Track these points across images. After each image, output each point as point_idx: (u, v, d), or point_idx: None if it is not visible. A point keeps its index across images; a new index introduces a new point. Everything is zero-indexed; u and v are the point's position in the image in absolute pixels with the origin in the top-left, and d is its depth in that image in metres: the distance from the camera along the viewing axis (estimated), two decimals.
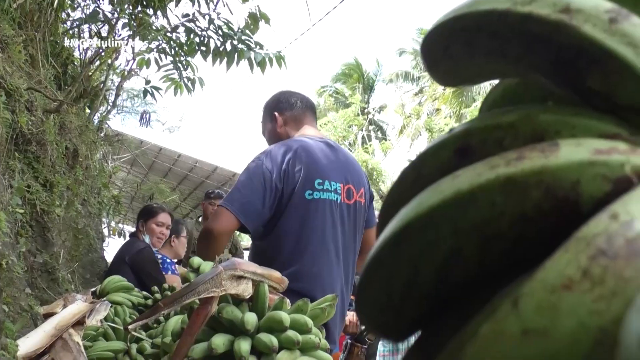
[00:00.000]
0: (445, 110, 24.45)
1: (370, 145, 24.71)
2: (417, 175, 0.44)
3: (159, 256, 4.65)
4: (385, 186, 22.28)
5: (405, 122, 25.85)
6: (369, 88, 31.42)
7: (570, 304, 0.26)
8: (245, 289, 1.64)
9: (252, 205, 2.54)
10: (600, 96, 0.39)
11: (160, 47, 4.93)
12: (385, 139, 27.43)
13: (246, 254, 6.13)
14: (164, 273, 4.28)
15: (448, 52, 0.45)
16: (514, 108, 0.42)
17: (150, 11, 4.61)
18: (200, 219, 6.30)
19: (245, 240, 12.21)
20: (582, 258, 0.27)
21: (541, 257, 0.34)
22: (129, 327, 1.60)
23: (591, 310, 0.26)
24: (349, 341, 4.37)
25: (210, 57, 4.81)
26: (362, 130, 26.96)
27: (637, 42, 0.36)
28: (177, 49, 4.92)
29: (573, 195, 0.33)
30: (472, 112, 18.39)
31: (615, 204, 0.30)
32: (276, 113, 2.93)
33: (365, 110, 29.75)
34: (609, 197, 0.32)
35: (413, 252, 0.37)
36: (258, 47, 4.75)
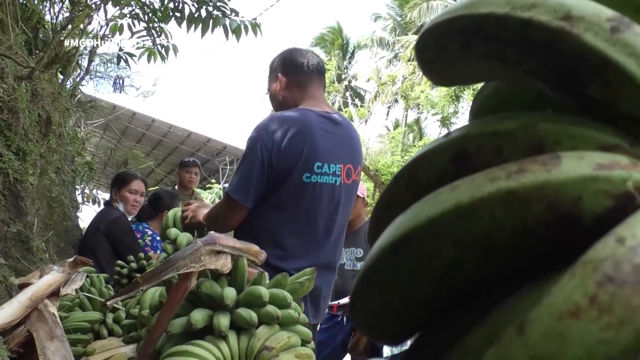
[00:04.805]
0: (419, 77, 24.36)
1: (346, 111, 24.60)
2: (412, 180, 0.44)
3: (149, 232, 4.59)
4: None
5: (380, 89, 25.75)
6: (348, 53, 31.20)
7: (577, 332, 0.26)
8: (225, 264, 1.64)
9: (256, 191, 2.47)
10: (599, 105, 0.38)
11: (133, 12, 4.84)
12: (363, 106, 27.33)
13: None
14: (152, 252, 4.19)
15: (443, 53, 0.45)
16: (512, 114, 0.42)
17: None
18: (176, 187, 6.22)
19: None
20: (589, 284, 0.27)
21: (541, 269, 0.34)
22: (108, 302, 1.59)
23: (599, 339, 0.26)
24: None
25: (184, 24, 4.73)
26: (338, 96, 26.85)
27: (639, 53, 0.36)
28: (150, 14, 4.82)
29: (575, 210, 0.33)
30: None
31: (621, 226, 0.29)
32: (280, 74, 2.69)
33: (343, 77, 29.58)
34: (611, 213, 0.32)
35: (411, 262, 0.37)
36: (233, 14, 4.67)
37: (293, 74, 2.68)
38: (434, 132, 26.59)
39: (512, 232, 0.34)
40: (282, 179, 2.47)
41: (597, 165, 0.33)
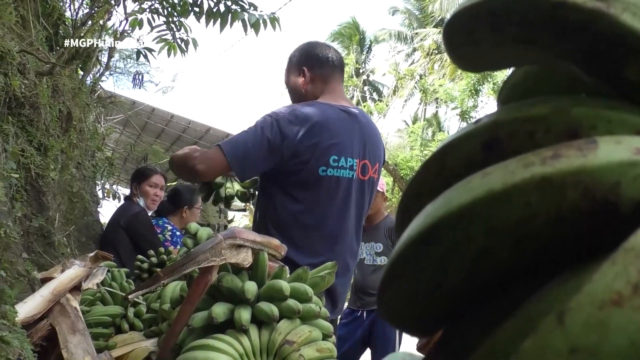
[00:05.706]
0: (437, 70, 24.26)
1: (364, 106, 24.50)
2: (441, 168, 0.43)
3: (169, 227, 4.60)
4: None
5: (399, 83, 25.63)
6: (365, 48, 31.08)
7: (620, 321, 0.25)
8: (245, 258, 1.64)
9: (251, 160, 2.40)
10: (637, 88, 0.37)
11: (153, 7, 4.84)
12: (382, 100, 27.21)
13: None
14: (172, 247, 4.20)
15: (472, 37, 0.43)
16: (544, 99, 0.40)
17: None
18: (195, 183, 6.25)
19: None
20: (632, 271, 0.26)
21: (575, 258, 0.33)
22: (129, 296, 1.60)
23: None
24: None
25: (203, 19, 4.73)
26: (356, 91, 26.80)
27: None
28: (170, 9, 4.83)
29: (612, 197, 0.31)
30: (468, 73, 18.22)
31: None
32: (305, 68, 2.68)
33: (361, 71, 29.50)
34: None
35: (441, 252, 0.36)
36: (252, 8, 4.66)
37: (318, 68, 2.68)
38: (453, 126, 26.50)
39: (547, 219, 0.32)
40: (298, 172, 2.45)
41: (637, 150, 0.32)
